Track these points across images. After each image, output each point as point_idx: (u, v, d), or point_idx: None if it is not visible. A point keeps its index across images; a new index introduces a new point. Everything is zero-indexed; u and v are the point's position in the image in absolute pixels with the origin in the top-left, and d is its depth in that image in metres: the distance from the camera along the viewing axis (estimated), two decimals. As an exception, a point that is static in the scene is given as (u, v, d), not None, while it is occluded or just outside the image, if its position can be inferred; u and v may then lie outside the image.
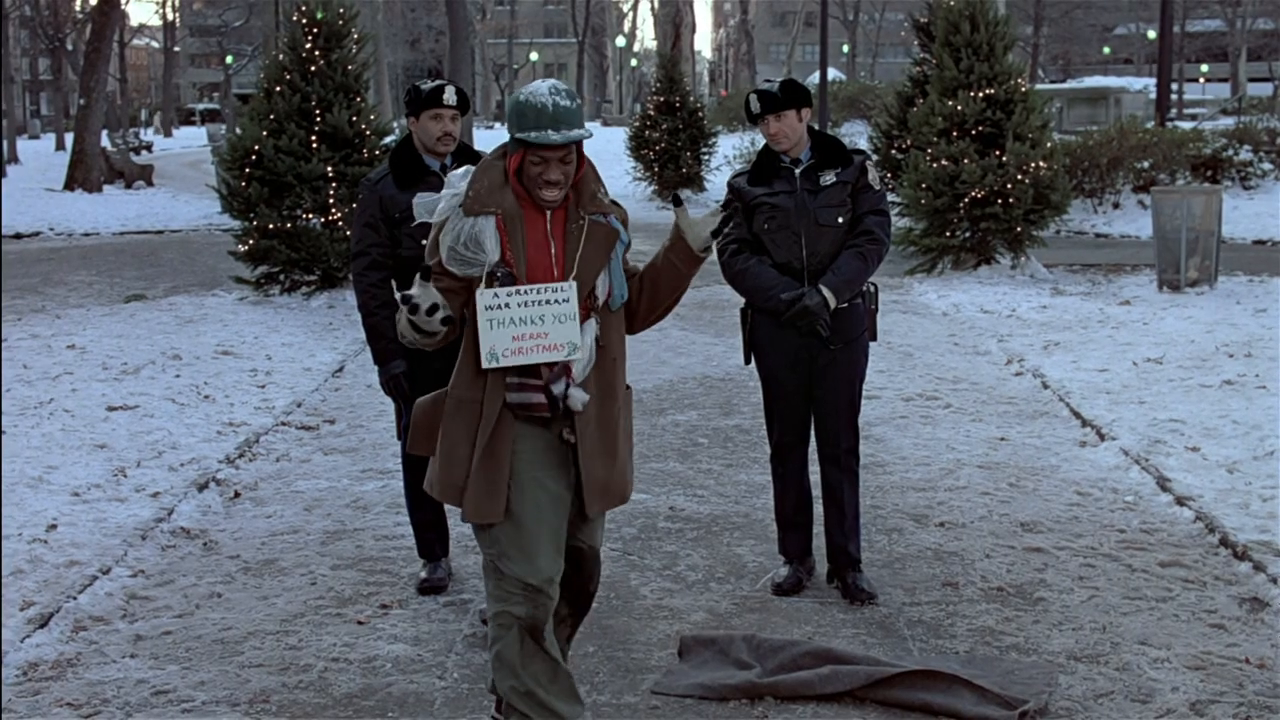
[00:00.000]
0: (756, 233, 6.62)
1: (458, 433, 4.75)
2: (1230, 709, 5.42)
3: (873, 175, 6.63)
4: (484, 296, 4.58)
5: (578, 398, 4.67)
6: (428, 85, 6.75)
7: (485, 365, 4.59)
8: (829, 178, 6.56)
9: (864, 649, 6.05)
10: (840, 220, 6.55)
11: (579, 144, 4.64)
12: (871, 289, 6.74)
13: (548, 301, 4.58)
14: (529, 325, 4.56)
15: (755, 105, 6.55)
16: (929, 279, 18.01)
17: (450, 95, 6.67)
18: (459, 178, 4.75)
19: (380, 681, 5.80)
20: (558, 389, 4.65)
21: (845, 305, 6.57)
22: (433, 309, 4.42)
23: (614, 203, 4.82)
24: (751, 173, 6.72)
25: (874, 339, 6.83)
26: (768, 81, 6.72)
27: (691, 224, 4.75)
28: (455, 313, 4.59)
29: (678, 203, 4.81)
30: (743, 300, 6.81)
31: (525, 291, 4.58)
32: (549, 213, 4.71)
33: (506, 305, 4.56)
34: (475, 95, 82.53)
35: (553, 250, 4.69)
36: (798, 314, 6.45)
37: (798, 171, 6.58)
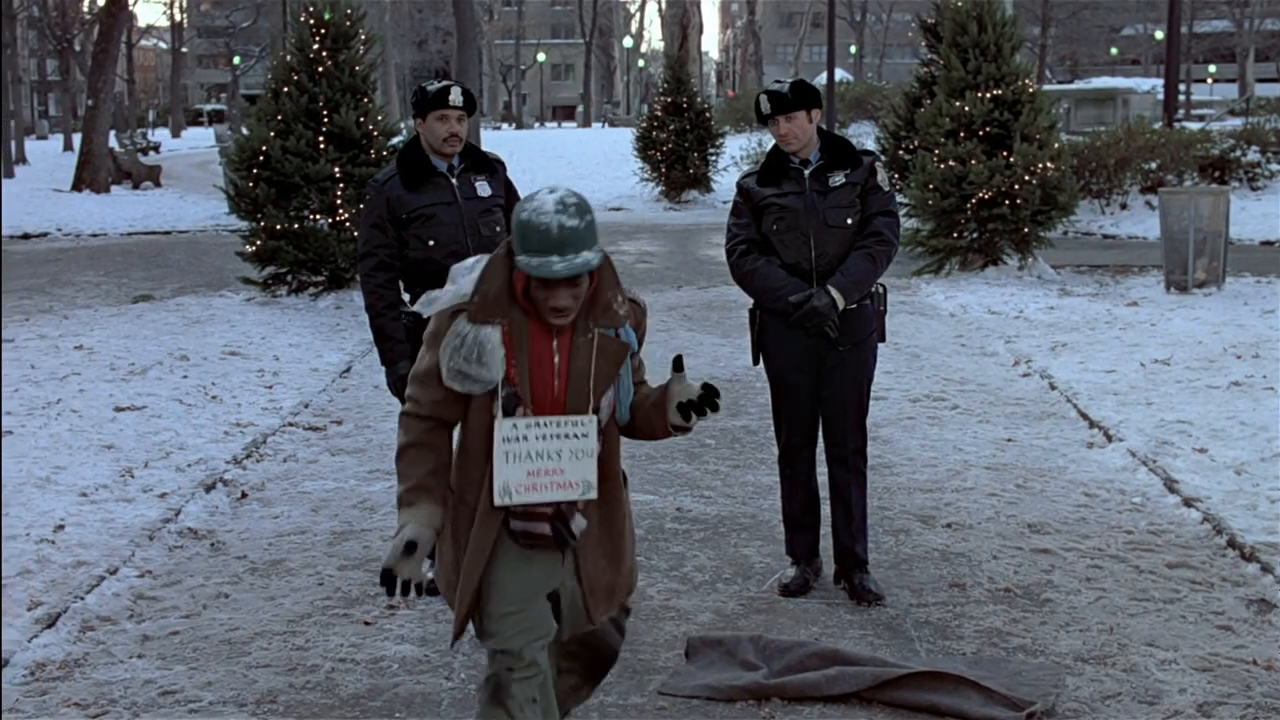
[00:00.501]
0: (765, 233, 6.62)
1: (456, 530, 4.42)
2: (1238, 710, 5.41)
3: (882, 176, 6.63)
4: (503, 427, 4.22)
5: (579, 526, 4.36)
6: (434, 86, 6.75)
7: (498, 502, 4.23)
8: (838, 179, 6.55)
9: (871, 650, 6.05)
10: (849, 221, 6.54)
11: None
12: (880, 290, 6.74)
13: (567, 435, 4.25)
14: (545, 460, 4.24)
15: (765, 106, 6.54)
16: (936, 280, 18.00)
17: (456, 96, 6.67)
18: (464, 271, 4.36)
19: (387, 682, 5.80)
20: (576, 526, 4.34)
21: (854, 306, 6.57)
22: (410, 547, 4.15)
23: (631, 300, 4.39)
24: (760, 173, 6.71)
25: (882, 340, 6.82)
26: (778, 82, 6.70)
27: (676, 394, 4.36)
28: (454, 418, 4.33)
29: (678, 367, 4.39)
30: (751, 301, 6.80)
31: (545, 424, 4.23)
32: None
33: (524, 438, 4.23)
34: (482, 96, 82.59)
35: (556, 365, 4.27)
36: (806, 315, 6.45)
37: (807, 172, 6.58)
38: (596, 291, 4.25)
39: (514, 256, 4.12)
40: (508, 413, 4.22)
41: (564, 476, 4.26)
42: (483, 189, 6.83)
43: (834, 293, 6.46)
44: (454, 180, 6.75)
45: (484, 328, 4.16)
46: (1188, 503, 8.03)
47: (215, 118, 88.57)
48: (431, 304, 4.30)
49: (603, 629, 4.67)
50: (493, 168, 6.95)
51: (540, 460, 4.23)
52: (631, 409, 4.46)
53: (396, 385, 6.73)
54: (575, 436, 4.25)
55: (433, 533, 4.23)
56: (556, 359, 4.26)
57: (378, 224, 6.74)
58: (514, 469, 4.22)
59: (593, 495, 4.30)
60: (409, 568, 4.14)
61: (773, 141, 6.70)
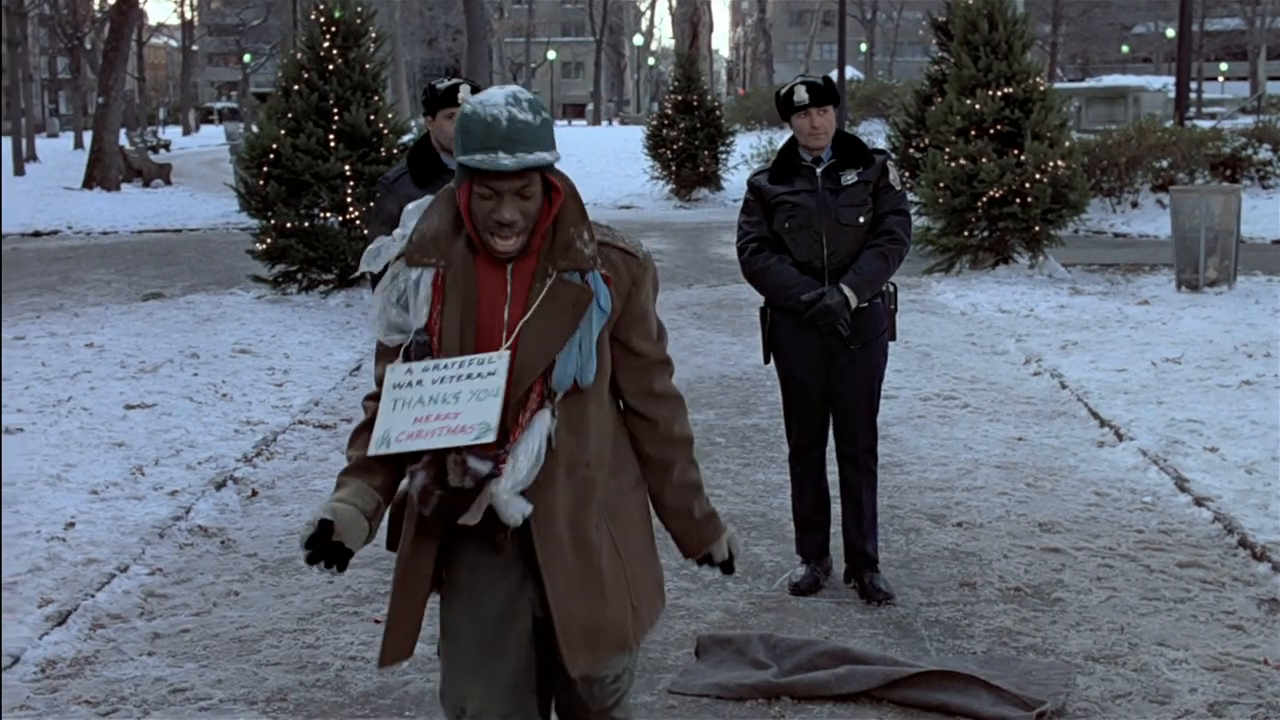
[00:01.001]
0: (776, 231, 6.61)
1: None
2: (1249, 710, 5.40)
3: (893, 175, 6.63)
4: (395, 373, 3.57)
5: (513, 507, 3.47)
6: (444, 85, 6.75)
7: (372, 451, 3.53)
8: (850, 177, 6.55)
9: (881, 649, 6.05)
10: (861, 220, 6.54)
11: (544, 172, 3.52)
12: (891, 289, 6.73)
13: (469, 375, 3.50)
14: (438, 404, 3.51)
15: (803, 96, 6.49)
16: (947, 278, 17.97)
17: (466, 94, 6.67)
18: (413, 214, 3.74)
19: (397, 680, 5.80)
20: (475, 467, 3.45)
21: (865, 305, 6.57)
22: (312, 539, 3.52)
23: (617, 247, 3.67)
24: (772, 171, 6.71)
25: (893, 339, 6.82)
26: (803, 76, 6.71)
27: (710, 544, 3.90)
28: None
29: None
30: (762, 299, 6.80)
31: (445, 366, 3.52)
32: (510, 265, 3.58)
33: (419, 382, 3.55)
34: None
35: (507, 316, 3.57)
36: (818, 313, 6.45)
37: (819, 170, 6.58)
38: (557, 223, 3.59)
39: (458, 170, 3.55)
40: (408, 360, 3.59)
41: (458, 420, 3.46)
42: None
43: (846, 291, 6.46)
44: (463, 178, 6.75)
45: (418, 270, 3.58)
46: (1199, 502, 8.02)
47: (226, 115, 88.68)
48: (377, 256, 3.71)
49: (584, 694, 3.83)
50: None
51: (433, 405, 3.52)
52: (656, 479, 3.82)
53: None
54: (479, 376, 3.50)
55: (353, 510, 3.55)
56: (507, 311, 3.57)
57: (387, 222, 6.73)
58: (399, 416, 3.53)
59: (490, 438, 3.42)
60: (328, 549, 3.53)
61: (782, 140, 6.70)
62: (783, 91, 6.61)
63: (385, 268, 3.66)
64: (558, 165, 3.56)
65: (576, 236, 3.56)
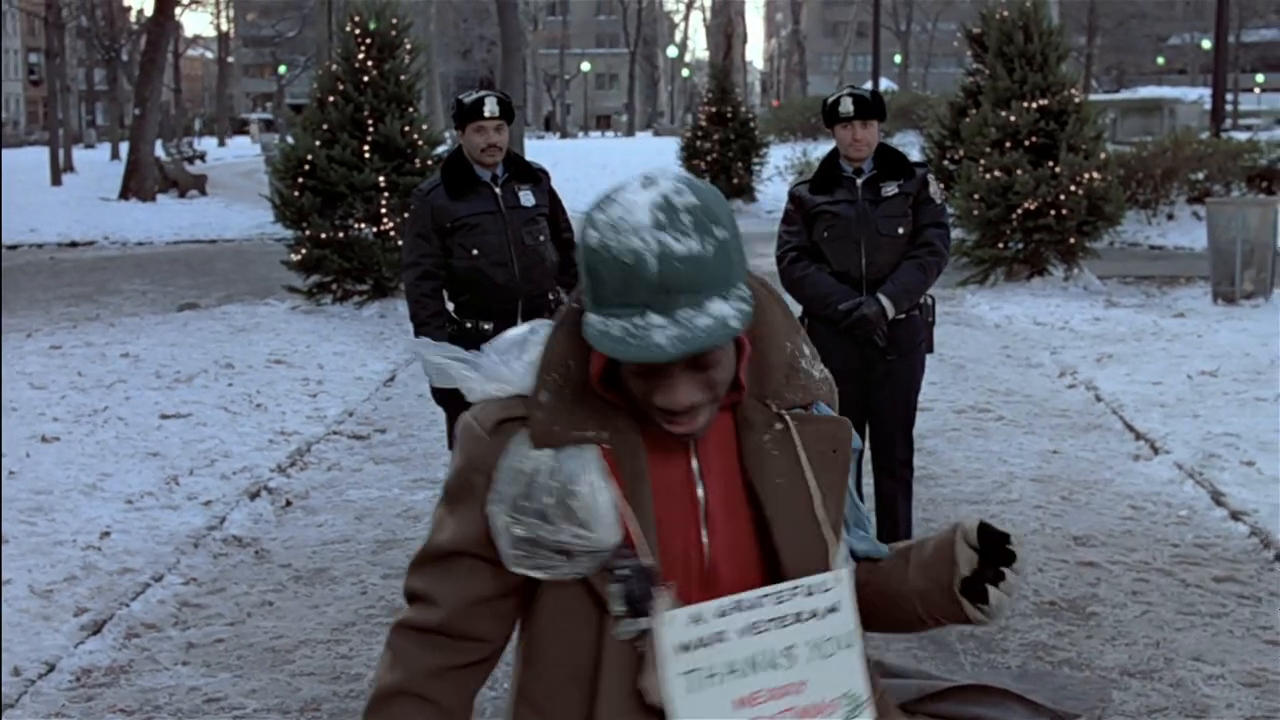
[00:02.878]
0: (815, 240, 6.62)
1: None
2: (1286, 726, 5.36)
3: (934, 188, 6.63)
4: (675, 626, 2.21)
5: None
6: (470, 98, 6.77)
7: None
8: (891, 189, 6.56)
9: (915, 663, 6.02)
10: (900, 231, 6.54)
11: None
12: (929, 301, 6.73)
13: (799, 617, 2.27)
14: (763, 672, 2.25)
15: (849, 108, 6.49)
16: (981, 290, 17.92)
17: (491, 107, 6.68)
18: (509, 348, 2.38)
19: (430, 691, 5.79)
20: None
21: (903, 317, 6.56)
22: None
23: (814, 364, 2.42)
24: (813, 181, 6.73)
25: (930, 350, 6.81)
26: (850, 88, 6.72)
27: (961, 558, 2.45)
28: (494, 635, 2.39)
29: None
30: (799, 308, 6.80)
31: (749, 604, 2.24)
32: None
33: (719, 639, 2.22)
34: (526, 105, 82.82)
35: (702, 501, 2.29)
36: (855, 322, 6.45)
37: (859, 181, 6.58)
38: (758, 351, 2.32)
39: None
40: (635, 608, 2.23)
41: (807, 695, 2.29)
42: (526, 198, 6.84)
43: (884, 301, 6.46)
44: (498, 189, 6.77)
45: (568, 451, 2.23)
46: (1235, 516, 7.97)
47: (261, 127, 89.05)
48: (444, 378, 2.41)
49: None
50: (536, 177, 6.97)
51: (753, 674, 2.24)
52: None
53: (440, 394, 6.75)
54: (815, 615, 2.28)
55: None
56: (701, 491, 2.28)
57: (422, 233, 6.77)
58: (708, 699, 2.22)
59: (868, 717, 2.47)
60: None
61: (816, 152, 6.71)
62: (829, 101, 6.62)
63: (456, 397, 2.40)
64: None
65: (797, 356, 2.35)
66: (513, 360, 2.33)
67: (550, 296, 6.92)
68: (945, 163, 24.41)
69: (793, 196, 6.77)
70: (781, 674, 2.25)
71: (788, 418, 2.30)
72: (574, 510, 2.20)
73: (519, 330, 2.39)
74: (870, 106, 6.50)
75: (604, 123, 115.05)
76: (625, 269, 2.01)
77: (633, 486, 2.23)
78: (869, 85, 35.88)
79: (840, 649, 2.29)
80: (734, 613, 2.22)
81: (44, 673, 5.94)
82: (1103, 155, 18.05)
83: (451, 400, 6.72)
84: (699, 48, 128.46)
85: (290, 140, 18.15)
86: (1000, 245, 18.12)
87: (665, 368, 2.10)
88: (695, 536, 2.26)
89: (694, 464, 2.28)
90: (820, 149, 28.90)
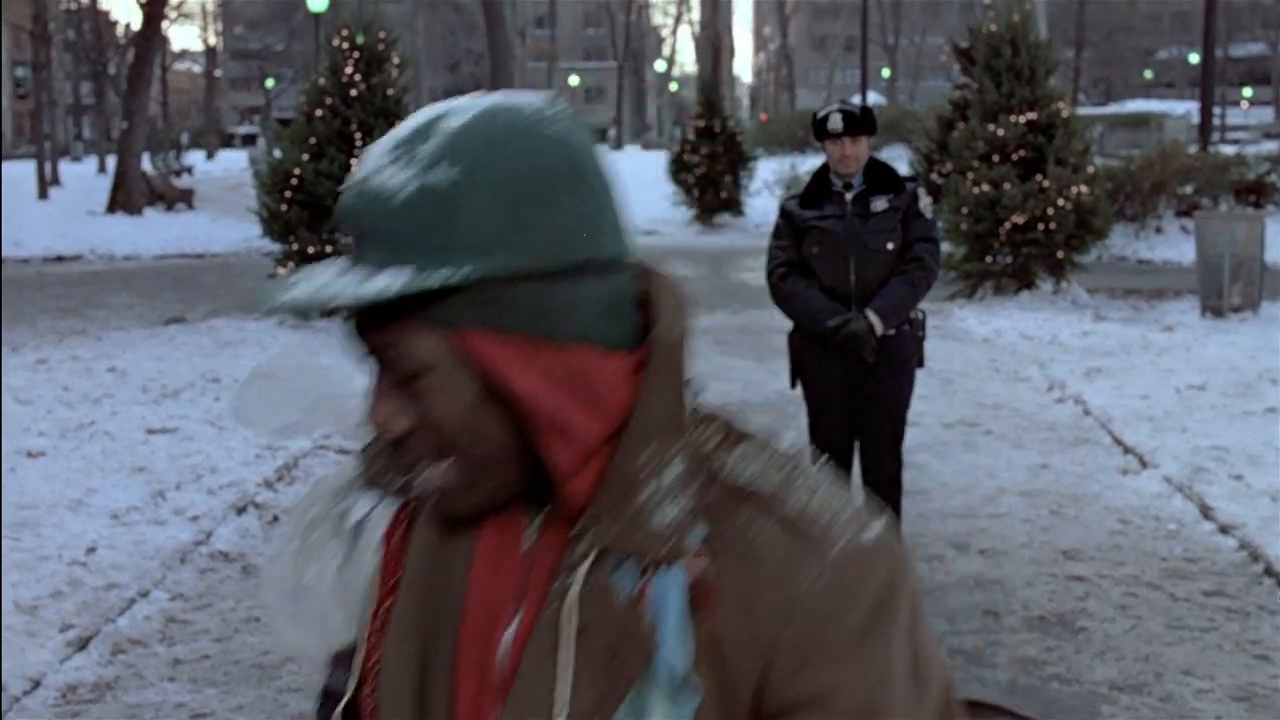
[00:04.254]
0: (805, 255, 6.62)
1: None
2: (1276, 741, 5.36)
3: (924, 203, 6.64)
4: None
5: None
6: None
7: None
8: (880, 203, 6.56)
9: (904, 678, 6.00)
10: (890, 246, 6.55)
11: (483, 328, 1.27)
12: (920, 316, 6.74)
13: None
14: None
15: (838, 124, 6.49)
16: (970, 304, 17.94)
17: None
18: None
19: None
20: None
21: (894, 332, 6.57)
22: None
23: (780, 521, 1.29)
24: (803, 196, 6.72)
25: (921, 365, 6.81)
26: (841, 102, 6.72)
27: None
28: None
29: None
30: (789, 324, 6.80)
31: None
32: (533, 524, 1.38)
33: None
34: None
35: (514, 621, 1.36)
36: (844, 338, 6.45)
37: (849, 196, 6.58)
38: (622, 453, 1.31)
39: None
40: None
41: None
42: None
43: (872, 317, 6.46)
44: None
45: (365, 502, 1.68)
46: (1223, 530, 7.97)
47: (248, 140, 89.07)
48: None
49: None
50: None
51: None
52: None
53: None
54: None
55: None
56: (517, 620, 1.36)
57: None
58: None
59: None
60: None
61: (805, 166, 6.71)
62: (819, 115, 6.60)
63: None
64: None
65: (653, 470, 1.30)
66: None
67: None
68: (933, 176, 24.46)
69: (783, 211, 6.78)
70: None
71: (591, 576, 1.28)
72: (325, 578, 1.71)
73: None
74: (860, 122, 6.50)
75: (599, 135, 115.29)
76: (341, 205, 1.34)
77: (410, 574, 1.47)
78: (857, 99, 36.00)
79: None
80: None
81: (29, 689, 5.91)
82: (1091, 169, 18.09)
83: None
84: (687, 62, 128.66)
85: (278, 154, 18.13)
86: (988, 259, 18.14)
87: (378, 374, 1.34)
88: (491, 656, 1.37)
89: (526, 578, 1.37)
90: (809, 163, 28.95)
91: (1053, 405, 11.80)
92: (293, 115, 20.79)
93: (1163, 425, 10.62)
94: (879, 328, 6.48)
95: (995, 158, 17.83)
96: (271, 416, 1.57)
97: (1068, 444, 10.36)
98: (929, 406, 11.55)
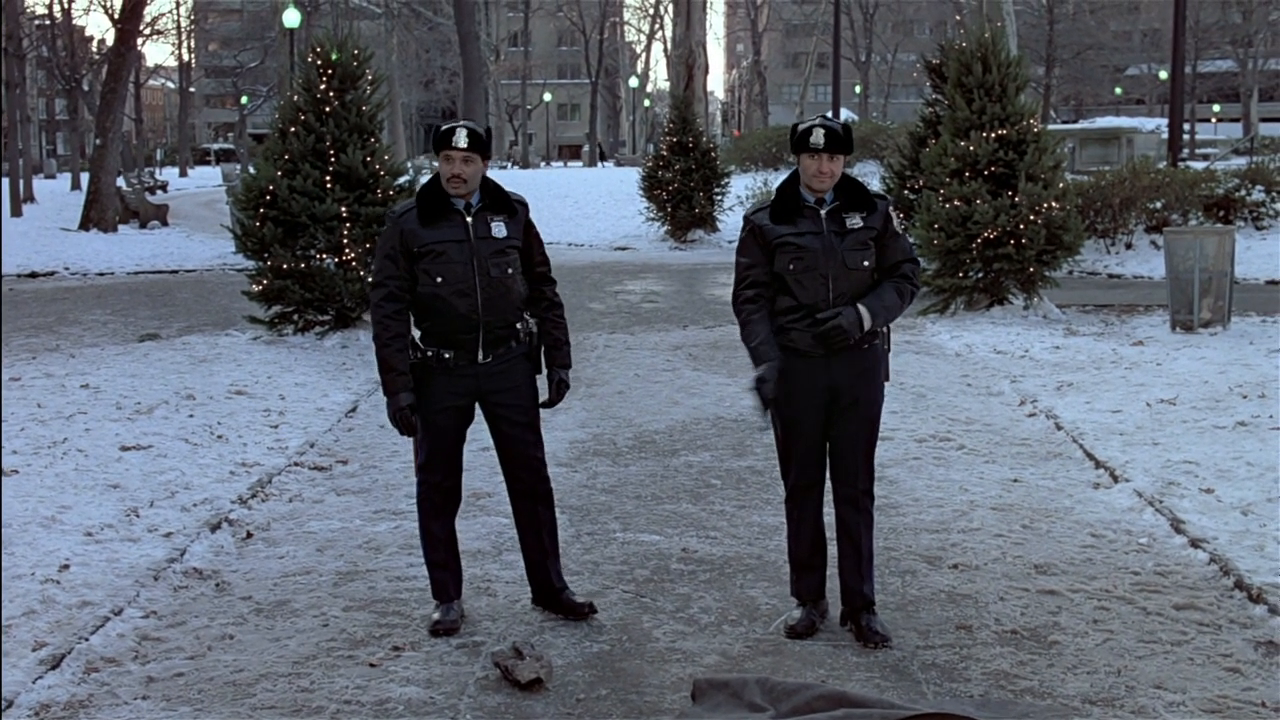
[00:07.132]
0: (779, 273, 6.60)
1: None
2: (1246, 754, 5.38)
3: (896, 222, 6.67)
4: None
5: None
6: (446, 126, 6.82)
7: None
8: (855, 220, 6.57)
9: (878, 692, 6.03)
10: (865, 264, 6.58)
11: None
12: (885, 330, 6.76)
13: None
14: None
15: (820, 140, 6.48)
16: (941, 319, 17.98)
17: (460, 138, 6.70)
18: None
19: (392, 724, 5.78)
20: None
21: (866, 347, 6.59)
22: None
23: None
24: (773, 210, 6.68)
25: (887, 379, 6.83)
26: (822, 118, 6.72)
27: None
28: None
29: None
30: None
31: None
32: None
33: None
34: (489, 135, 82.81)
35: None
36: (830, 330, 6.46)
37: (823, 212, 6.59)
38: None
39: None
40: None
41: None
42: (498, 229, 6.82)
43: (863, 310, 6.49)
44: (469, 219, 6.77)
45: None
46: (1195, 543, 8.01)
47: (222, 157, 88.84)
48: None
49: None
50: (513, 209, 6.94)
51: None
52: None
53: (397, 417, 6.76)
54: None
55: None
56: None
57: (390, 255, 6.79)
58: None
59: None
60: None
61: (780, 180, 6.71)
62: (800, 128, 6.58)
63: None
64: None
65: None
66: None
67: (518, 327, 6.92)
68: (905, 192, 24.54)
69: (752, 226, 6.70)
70: None
71: None
72: None
73: None
74: (841, 141, 6.52)
75: (573, 153, 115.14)
76: None
77: None
78: (830, 114, 36.07)
79: None
80: None
81: (5, 708, 5.88)
82: (1061, 185, 18.13)
83: (407, 425, 6.77)
84: (660, 78, 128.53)
85: (252, 170, 18.08)
86: (960, 274, 18.17)
87: None
88: None
89: None
90: (782, 179, 28.99)
91: (1024, 420, 11.84)
92: (267, 131, 20.77)
93: (1134, 440, 10.67)
94: (867, 323, 6.51)
95: (967, 174, 17.87)
96: None
97: (1039, 458, 10.41)
98: (901, 421, 11.60)
